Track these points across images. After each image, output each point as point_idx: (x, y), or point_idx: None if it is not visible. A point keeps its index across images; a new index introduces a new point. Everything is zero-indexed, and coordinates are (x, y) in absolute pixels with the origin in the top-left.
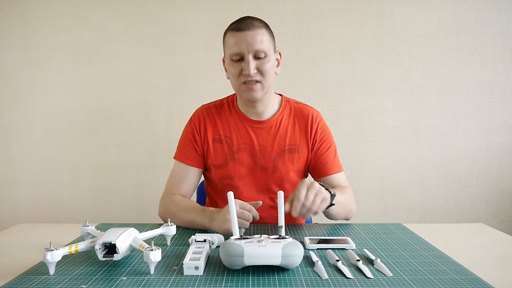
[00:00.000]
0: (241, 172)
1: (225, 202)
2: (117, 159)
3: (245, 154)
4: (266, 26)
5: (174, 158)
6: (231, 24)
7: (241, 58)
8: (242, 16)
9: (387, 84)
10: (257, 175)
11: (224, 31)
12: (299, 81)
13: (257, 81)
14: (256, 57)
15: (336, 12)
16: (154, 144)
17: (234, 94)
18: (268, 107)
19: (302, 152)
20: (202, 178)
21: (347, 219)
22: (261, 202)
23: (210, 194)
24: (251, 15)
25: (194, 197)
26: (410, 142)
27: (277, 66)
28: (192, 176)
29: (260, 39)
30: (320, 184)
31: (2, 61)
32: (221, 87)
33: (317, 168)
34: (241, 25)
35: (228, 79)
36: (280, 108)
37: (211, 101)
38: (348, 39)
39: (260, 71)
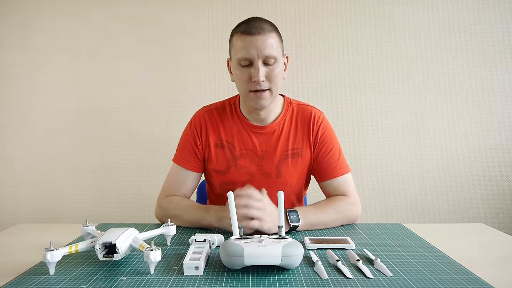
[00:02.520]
0: (243, 179)
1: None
2: (117, 159)
3: (248, 160)
4: (276, 29)
5: (173, 160)
6: (240, 26)
7: (249, 63)
8: (250, 17)
9: (387, 84)
10: (259, 181)
11: (223, 29)
12: (299, 81)
13: (265, 90)
14: (266, 63)
15: (336, 12)
16: (154, 144)
17: (236, 96)
18: (272, 112)
19: (305, 155)
20: (203, 178)
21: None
22: (265, 190)
23: (211, 197)
24: (259, 16)
25: (193, 197)
26: (410, 142)
27: (284, 70)
28: (191, 181)
29: (271, 44)
30: (289, 210)
31: (2, 61)
32: (221, 87)
33: (319, 171)
34: (251, 28)
35: (233, 81)
36: (282, 111)
37: (212, 103)
38: (348, 39)
39: (268, 77)
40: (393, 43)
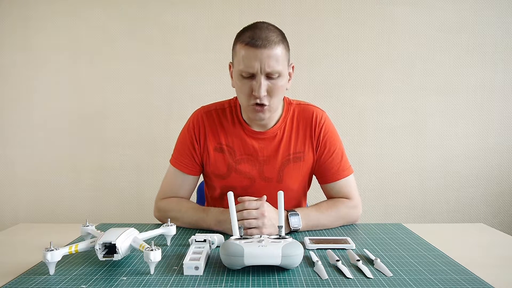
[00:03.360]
0: (244, 184)
1: (224, 207)
2: (117, 159)
3: (248, 165)
4: (283, 39)
5: (170, 162)
6: (245, 33)
7: (251, 75)
8: (256, 22)
9: (387, 84)
10: (260, 186)
11: (223, 29)
12: (299, 81)
13: (265, 105)
14: (269, 77)
15: (336, 12)
16: (154, 144)
17: (237, 98)
18: (273, 116)
19: (307, 158)
20: (202, 178)
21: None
22: (265, 197)
23: (208, 199)
24: (266, 22)
25: (193, 197)
26: (410, 142)
27: (288, 80)
28: (189, 184)
29: (276, 58)
30: (290, 212)
31: (2, 61)
32: (221, 87)
33: (322, 173)
34: (256, 40)
35: (233, 87)
36: (282, 113)
37: (211, 103)
38: (348, 39)
39: (270, 92)
40: (393, 43)
